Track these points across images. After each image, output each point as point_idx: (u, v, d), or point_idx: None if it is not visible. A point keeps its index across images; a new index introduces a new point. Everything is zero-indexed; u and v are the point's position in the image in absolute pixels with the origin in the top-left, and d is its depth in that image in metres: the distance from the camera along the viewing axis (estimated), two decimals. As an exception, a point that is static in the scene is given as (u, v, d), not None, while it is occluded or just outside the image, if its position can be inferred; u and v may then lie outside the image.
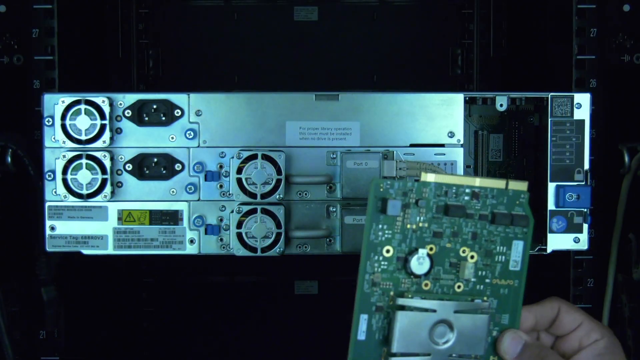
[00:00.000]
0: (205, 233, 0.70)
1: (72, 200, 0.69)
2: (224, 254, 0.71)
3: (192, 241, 0.71)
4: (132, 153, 0.70)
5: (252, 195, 0.68)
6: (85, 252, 0.71)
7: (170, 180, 0.70)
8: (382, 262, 0.49)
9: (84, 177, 0.69)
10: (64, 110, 0.68)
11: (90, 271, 0.91)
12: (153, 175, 0.70)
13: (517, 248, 0.52)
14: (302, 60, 1.05)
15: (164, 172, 0.70)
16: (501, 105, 0.70)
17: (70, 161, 0.68)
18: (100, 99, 0.68)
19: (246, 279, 1.06)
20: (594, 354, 0.51)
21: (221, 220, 0.70)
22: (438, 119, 0.70)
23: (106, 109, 0.68)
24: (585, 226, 0.71)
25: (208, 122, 0.70)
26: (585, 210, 0.71)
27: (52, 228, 0.70)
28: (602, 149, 0.79)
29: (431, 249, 0.50)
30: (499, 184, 0.51)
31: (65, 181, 0.69)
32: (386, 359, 0.49)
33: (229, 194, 0.69)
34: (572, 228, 0.71)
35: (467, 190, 0.50)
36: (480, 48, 1.05)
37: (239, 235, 0.68)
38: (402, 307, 0.49)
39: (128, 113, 0.69)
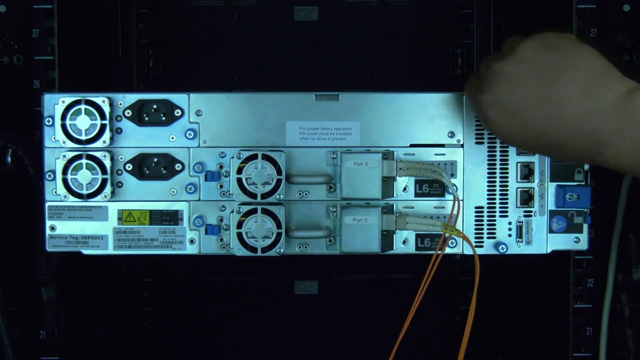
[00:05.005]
0: (206, 233, 0.70)
1: (72, 200, 0.69)
2: (224, 254, 0.71)
3: (192, 241, 0.71)
4: (132, 153, 0.70)
5: (252, 195, 0.68)
6: (85, 252, 0.71)
7: (170, 180, 0.70)
8: None
9: (84, 177, 0.69)
10: (64, 110, 0.68)
11: (90, 271, 0.91)
12: (153, 175, 0.70)
13: None
14: (302, 60, 1.05)
15: (164, 172, 0.70)
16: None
17: (71, 161, 0.68)
18: (101, 99, 0.68)
19: (246, 279, 1.06)
20: None
21: (221, 220, 0.70)
22: (438, 119, 0.70)
23: (106, 109, 0.68)
24: (585, 226, 0.71)
25: (208, 122, 0.70)
26: (585, 210, 0.71)
27: (52, 228, 0.70)
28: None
29: None
30: None
31: (65, 181, 0.69)
32: None
33: (229, 194, 0.69)
34: (572, 228, 0.71)
35: None
36: (480, 48, 1.05)
37: (239, 235, 0.68)
38: None
39: (128, 113, 0.69)
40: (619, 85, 0.54)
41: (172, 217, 0.70)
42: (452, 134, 0.71)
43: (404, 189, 0.71)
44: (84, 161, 0.68)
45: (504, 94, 0.58)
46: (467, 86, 0.66)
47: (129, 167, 0.70)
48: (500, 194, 0.71)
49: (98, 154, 0.69)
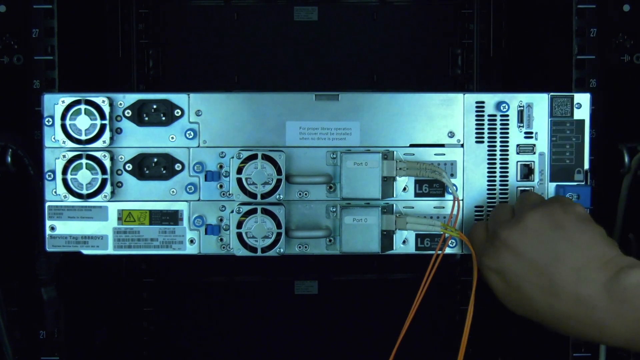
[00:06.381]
0: (205, 233, 0.70)
1: (72, 200, 0.69)
2: (224, 254, 0.71)
3: (192, 241, 0.71)
4: (132, 153, 0.70)
5: (252, 195, 0.68)
6: (85, 252, 0.71)
7: (170, 180, 0.70)
8: None
9: (84, 177, 0.69)
10: (64, 110, 0.68)
11: (90, 271, 0.91)
12: (153, 175, 0.70)
13: None
14: (302, 60, 1.05)
15: (164, 172, 0.70)
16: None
17: (70, 161, 0.68)
18: (100, 99, 0.68)
19: (246, 279, 1.06)
20: None
21: (221, 220, 0.70)
22: (438, 119, 0.70)
23: (106, 109, 0.68)
24: (585, 226, 0.71)
25: (208, 122, 0.70)
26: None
27: (52, 228, 0.70)
28: (602, 149, 0.79)
29: None
30: None
31: (65, 181, 0.69)
32: None
33: (229, 194, 0.69)
34: (572, 228, 0.71)
35: None
36: (480, 48, 1.05)
37: (239, 235, 0.68)
38: None
39: (128, 113, 0.69)
40: (613, 266, 0.56)
41: (172, 217, 0.70)
42: (452, 134, 0.70)
43: (404, 189, 0.71)
44: (83, 161, 0.68)
45: (506, 264, 0.60)
46: (473, 235, 0.67)
47: (129, 167, 0.70)
48: (500, 194, 0.71)
49: (98, 154, 0.69)
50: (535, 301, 0.59)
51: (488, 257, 0.62)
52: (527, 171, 0.71)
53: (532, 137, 0.70)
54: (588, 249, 0.57)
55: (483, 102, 0.70)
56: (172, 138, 0.70)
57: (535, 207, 0.61)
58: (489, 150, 0.71)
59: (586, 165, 0.71)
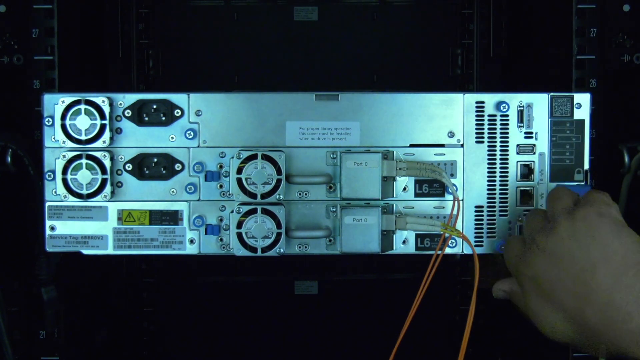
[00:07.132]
0: (205, 233, 0.70)
1: (72, 200, 0.69)
2: (224, 254, 0.71)
3: (192, 241, 0.71)
4: (132, 153, 0.70)
5: (252, 195, 0.68)
6: (85, 252, 0.71)
7: (170, 180, 0.70)
8: None
9: (84, 177, 0.69)
10: (64, 110, 0.68)
11: (90, 271, 0.91)
12: (153, 175, 0.70)
13: None
14: (302, 60, 1.05)
15: (164, 172, 0.70)
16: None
17: (70, 161, 0.68)
18: (100, 99, 0.68)
19: (246, 279, 1.06)
20: None
21: (221, 220, 0.70)
22: (438, 119, 0.70)
23: (106, 109, 0.68)
24: (585, 226, 0.71)
25: (208, 122, 0.70)
26: (585, 210, 0.71)
27: (52, 228, 0.70)
28: (602, 149, 0.79)
29: None
30: None
31: (65, 181, 0.69)
32: None
33: (229, 194, 0.69)
34: (572, 228, 0.71)
35: None
36: (480, 48, 1.05)
37: (239, 235, 0.68)
38: None
39: (128, 113, 0.69)
40: None
41: (172, 217, 0.70)
42: (452, 134, 0.71)
43: (404, 189, 0.71)
44: (83, 161, 0.68)
45: (542, 270, 0.60)
46: (509, 247, 0.65)
47: (129, 167, 0.70)
48: (500, 194, 0.71)
49: (98, 154, 0.69)
50: (565, 308, 0.58)
51: (524, 265, 0.61)
52: (527, 171, 0.71)
53: (532, 137, 0.70)
54: (624, 255, 0.56)
55: (483, 102, 0.70)
56: (172, 138, 0.70)
57: (571, 213, 0.60)
58: (489, 150, 0.71)
59: (586, 165, 0.71)
